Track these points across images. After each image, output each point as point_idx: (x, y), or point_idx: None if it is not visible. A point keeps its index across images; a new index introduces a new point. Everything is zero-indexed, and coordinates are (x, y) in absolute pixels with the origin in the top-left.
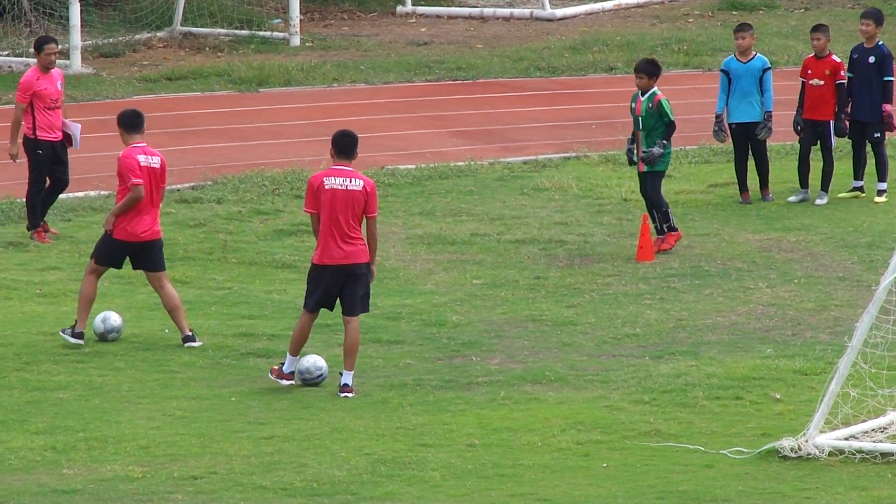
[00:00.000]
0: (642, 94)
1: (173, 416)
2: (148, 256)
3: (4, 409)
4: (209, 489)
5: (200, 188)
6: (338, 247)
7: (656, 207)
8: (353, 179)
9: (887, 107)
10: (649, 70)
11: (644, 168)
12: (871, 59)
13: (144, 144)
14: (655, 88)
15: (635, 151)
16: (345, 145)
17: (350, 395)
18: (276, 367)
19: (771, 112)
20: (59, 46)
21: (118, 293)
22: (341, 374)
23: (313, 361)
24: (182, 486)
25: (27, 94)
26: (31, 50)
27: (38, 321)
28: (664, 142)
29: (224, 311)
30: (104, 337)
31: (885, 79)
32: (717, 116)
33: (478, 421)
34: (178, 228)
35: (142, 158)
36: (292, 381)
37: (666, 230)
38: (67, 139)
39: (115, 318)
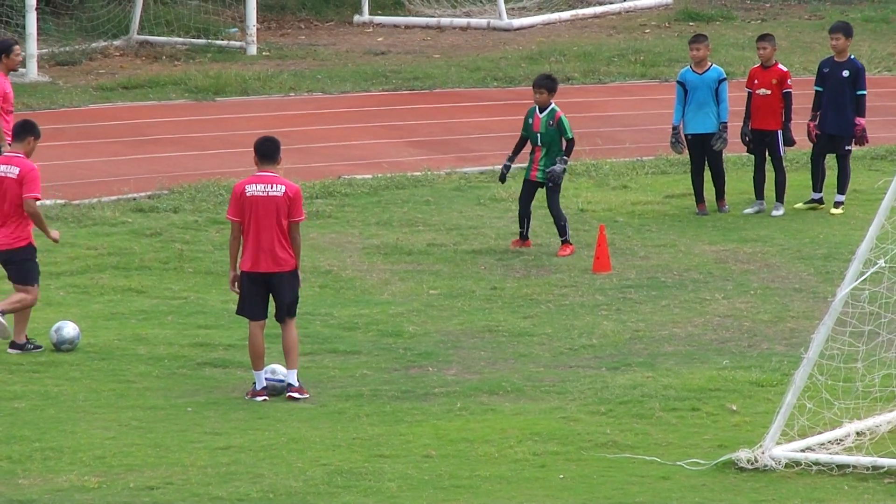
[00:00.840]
0: (541, 111)
1: (129, 426)
2: None
3: None
4: (165, 500)
5: (157, 197)
6: (263, 254)
7: (556, 220)
8: (274, 185)
9: (861, 120)
10: (549, 85)
11: (536, 177)
12: (846, 73)
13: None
14: (554, 105)
15: (529, 168)
16: (266, 150)
17: (296, 395)
18: (250, 391)
19: (726, 123)
20: None
21: (73, 302)
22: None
23: (277, 366)
24: (138, 496)
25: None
26: None
27: None
28: (565, 158)
29: (180, 320)
30: (58, 347)
31: (859, 93)
32: (674, 128)
33: (434, 432)
34: (134, 237)
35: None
36: (266, 397)
37: (562, 242)
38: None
39: (68, 329)
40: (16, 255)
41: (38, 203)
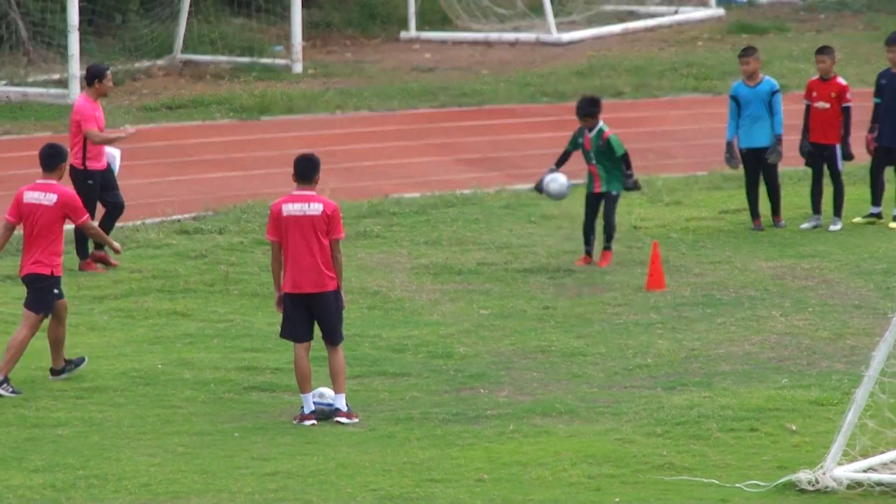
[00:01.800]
0: (589, 130)
1: (175, 452)
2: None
3: (2, 447)
4: None
5: (201, 219)
6: (304, 274)
7: (609, 229)
8: (311, 203)
9: None
10: (591, 111)
11: (601, 189)
12: None
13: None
14: (602, 124)
15: (591, 183)
16: (303, 169)
17: (345, 420)
18: (297, 415)
19: (781, 136)
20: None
21: (118, 326)
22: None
23: (325, 389)
24: None
25: (93, 118)
26: (84, 78)
27: (36, 356)
28: (629, 172)
29: (226, 344)
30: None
31: None
32: (728, 143)
33: (487, 455)
34: (178, 260)
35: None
36: (315, 421)
37: (604, 249)
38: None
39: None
40: (38, 282)
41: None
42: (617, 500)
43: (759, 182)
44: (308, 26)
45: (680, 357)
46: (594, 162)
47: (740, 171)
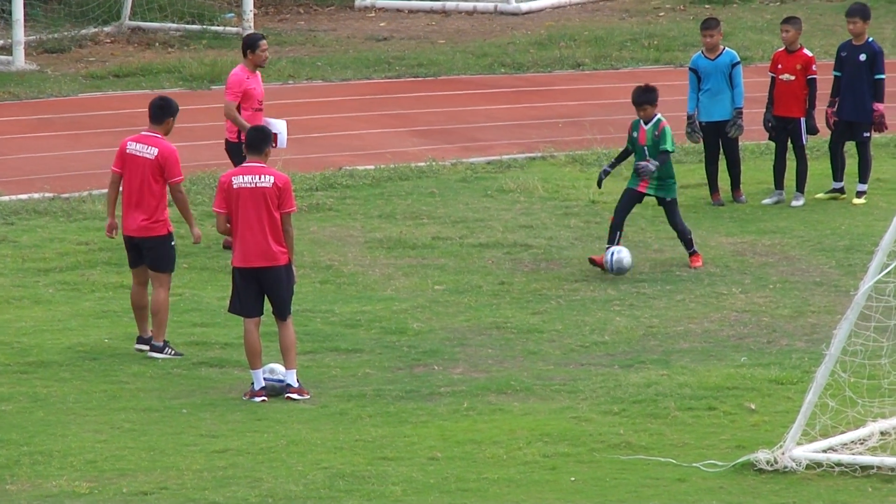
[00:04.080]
0: (645, 123)
1: (122, 428)
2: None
3: None
4: None
5: None
6: (254, 248)
7: (681, 235)
8: (262, 176)
9: (879, 106)
10: (650, 99)
11: (647, 190)
12: (862, 57)
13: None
14: (659, 115)
15: (637, 180)
16: (255, 140)
17: (296, 396)
18: (248, 391)
19: (741, 109)
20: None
21: (63, 300)
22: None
23: (276, 365)
24: (131, 502)
25: (239, 92)
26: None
27: None
28: (657, 162)
29: (175, 318)
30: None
31: (877, 77)
32: (689, 116)
33: (440, 433)
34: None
35: None
36: (265, 397)
37: (689, 254)
38: (273, 138)
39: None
40: (153, 242)
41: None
42: (572, 479)
43: (718, 156)
44: None
45: (638, 334)
46: (647, 157)
47: (701, 144)
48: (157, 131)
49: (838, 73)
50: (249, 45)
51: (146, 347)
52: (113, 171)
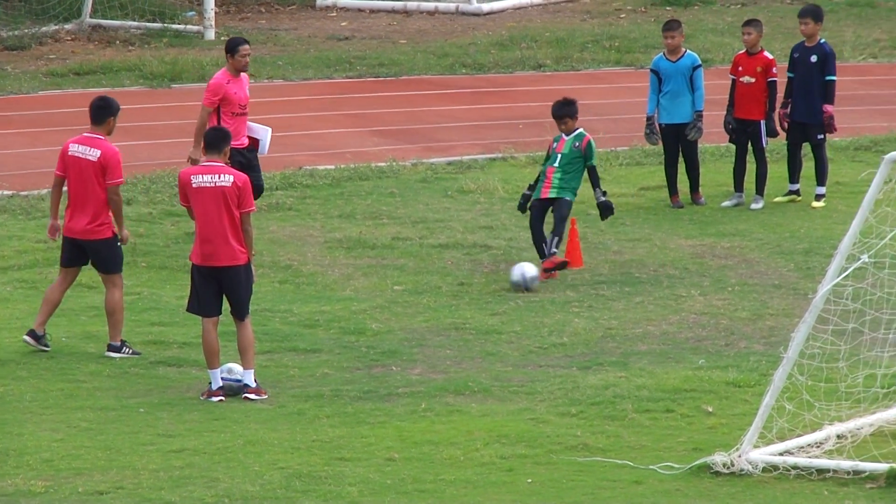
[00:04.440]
0: (566, 134)
1: (78, 427)
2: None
3: None
4: None
5: None
6: (213, 247)
7: (557, 232)
8: (222, 175)
9: (829, 107)
10: (570, 112)
11: (549, 195)
12: (814, 59)
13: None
14: (581, 129)
15: (540, 186)
16: (214, 139)
17: (253, 396)
18: (205, 391)
19: (701, 112)
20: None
21: (21, 298)
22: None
23: (234, 365)
24: (87, 501)
25: (216, 97)
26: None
27: None
28: (604, 191)
29: (133, 317)
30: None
31: (828, 78)
32: (649, 118)
33: (397, 434)
34: None
35: None
36: (223, 397)
37: (548, 255)
38: (254, 143)
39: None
40: (99, 245)
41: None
42: (529, 480)
43: (678, 158)
44: None
45: (596, 336)
46: (556, 165)
47: (661, 146)
48: (99, 132)
49: (791, 75)
50: (230, 49)
51: (32, 341)
52: (56, 175)
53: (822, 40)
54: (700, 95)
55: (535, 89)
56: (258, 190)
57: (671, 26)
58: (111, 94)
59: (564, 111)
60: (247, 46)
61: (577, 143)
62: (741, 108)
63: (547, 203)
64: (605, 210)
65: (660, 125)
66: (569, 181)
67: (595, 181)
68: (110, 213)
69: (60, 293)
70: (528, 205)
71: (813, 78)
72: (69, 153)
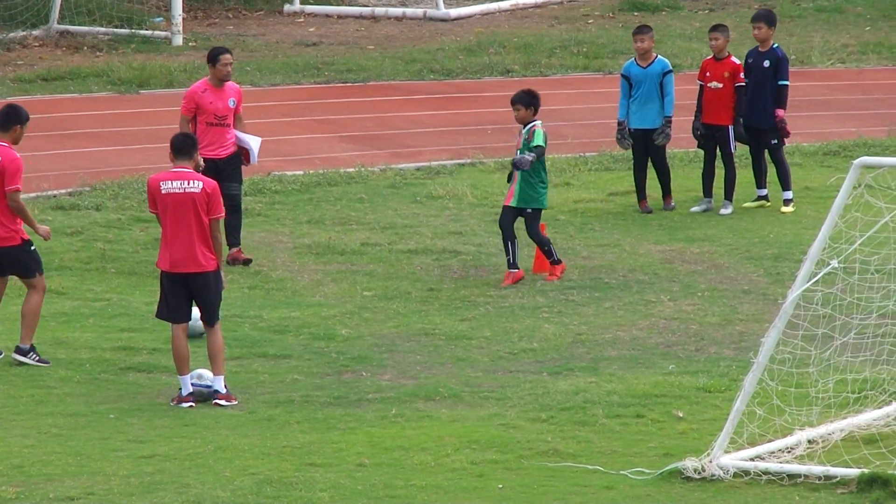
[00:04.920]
0: (523, 127)
1: (48, 433)
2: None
3: None
4: None
5: (78, 194)
6: (183, 253)
7: (540, 245)
8: (191, 181)
9: (780, 112)
10: (525, 100)
11: (511, 203)
12: (766, 63)
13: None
14: (537, 122)
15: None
16: (182, 145)
17: (223, 402)
18: (175, 397)
19: (671, 117)
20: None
21: None
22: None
23: (204, 371)
24: None
25: (190, 105)
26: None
27: None
28: (534, 154)
29: (102, 323)
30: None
31: (780, 83)
32: (620, 123)
33: (368, 439)
34: (54, 237)
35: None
36: (193, 403)
37: (551, 263)
38: (244, 154)
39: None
40: (12, 252)
41: (20, 195)
42: (500, 486)
43: (647, 163)
44: None
45: (566, 342)
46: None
47: (629, 152)
48: (5, 140)
49: (746, 80)
50: (211, 58)
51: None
52: None
53: (776, 45)
54: (670, 101)
55: (503, 94)
56: (229, 200)
57: (641, 30)
58: (79, 99)
59: (517, 97)
60: (228, 56)
61: (528, 137)
62: (709, 114)
63: (515, 210)
64: (514, 165)
65: (629, 130)
66: (537, 179)
67: (536, 153)
68: (19, 221)
69: None
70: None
71: (766, 83)
72: None
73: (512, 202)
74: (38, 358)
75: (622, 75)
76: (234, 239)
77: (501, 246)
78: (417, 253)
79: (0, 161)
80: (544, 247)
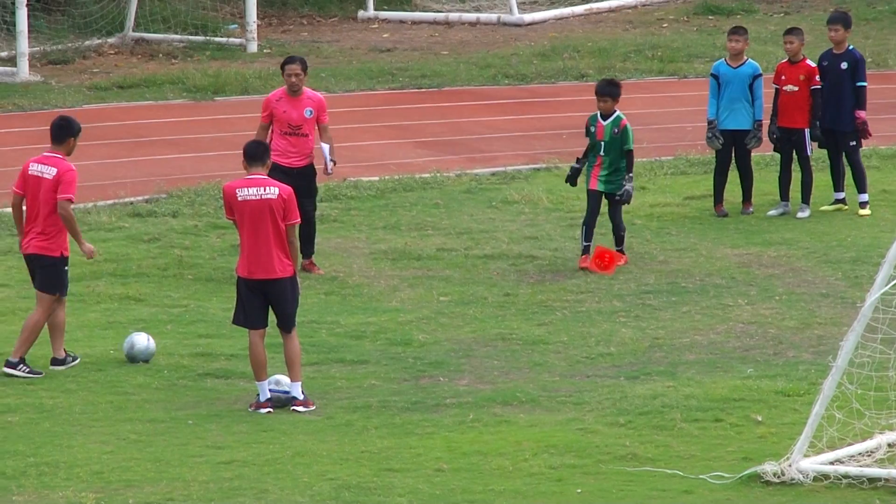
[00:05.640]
0: (604, 118)
1: (128, 440)
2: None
3: None
4: None
5: (154, 201)
6: (259, 260)
7: (615, 229)
8: (267, 188)
9: (861, 113)
10: (612, 92)
11: (596, 186)
12: (844, 65)
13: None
14: (619, 112)
15: (588, 177)
16: (256, 152)
17: (301, 408)
18: (253, 402)
19: (761, 121)
20: (300, 66)
21: (69, 311)
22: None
23: (282, 377)
24: None
25: (265, 113)
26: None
27: None
28: (630, 175)
29: (180, 329)
30: (132, 360)
31: (858, 84)
32: (710, 122)
33: (446, 444)
34: (131, 243)
35: None
36: (271, 409)
37: (618, 250)
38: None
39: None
40: (45, 261)
41: (71, 206)
42: (579, 490)
43: (729, 166)
44: (263, 4)
45: (643, 346)
46: (602, 153)
47: (708, 154)
48: (59, 151)
49: (820, 84)
50: (282, 67)
51: (58, 367)
52: (14, 192)
53: (851, 46)
54: (759, 105)
55: (577, 99)
56: (303, 216)
57: (737, 31)
58: (155, 107)
59: (607, 90)
60: (292, 66)
61: (615, 129)
62: (785, 117)
63: (599, 194)
64: (625, 197)
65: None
66: (615, 168)
67: (629, 166)
68: (64, 234)
69: (56, 313)
70: (576, 178)
71: (844, 85)
72: (29, 172)
73: (599, 187)
74: (27, 370)
75: (711, 74)
76: (307, 250)
77: (578, 250)
78: (493, 258)
79: (56, 172)
80: (620, 232)
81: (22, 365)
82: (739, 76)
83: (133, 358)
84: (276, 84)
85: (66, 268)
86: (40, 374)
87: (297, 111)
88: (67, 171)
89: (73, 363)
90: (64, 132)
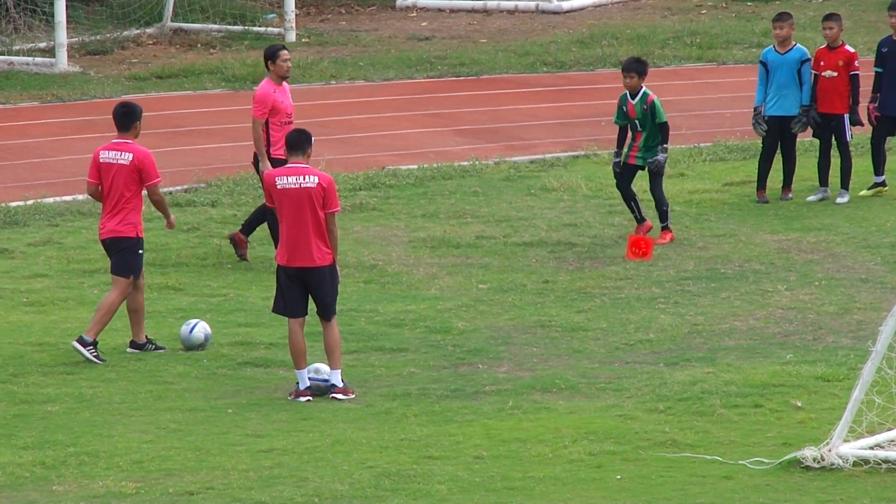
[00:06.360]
0: (632, 96)
1: (167, 429)
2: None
3: None
4: None
5: (193, 191)
6: (299, 248)
7: (658, 204)
8: (307, 176)
9: None
10: (638, 69)
11: (636, 161)
12: None
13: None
14: (646, 88)
15: (628, 152)
16: (296, 140)
17: (341, 396)
18: (292, 391)
19: (808, 106)
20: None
21: None
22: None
23: (321, 365)
24: (177, 502)
25: (266, 107)
26: (264, 61)
27: (24, 331)
28: (665, 146)
29: (219, 318)
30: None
31: None
32: (756, 109)
33: (485, 432)
34: (170, 233)
35: None
36: (310, 397)
37: (661, 228)
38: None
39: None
40: (120, 244)
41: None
42: (618, 477)
43: (775, 152)
44: None
45: (682, 332)
46: (639, 129)
47: (745, 141)
48: (128, 137)
49: (880, 70)
50: (270, 55)
51: (135, 351)
52: (89, 182)
53: None
54: (807, 90)
55: (616, 86)
56: None
57: (781, 17)
58: (193, 96)
59: (633, 66)
60: (286, 52)
61: (644, 106)
62: (824, 103)
63: (635, 168)
64: (655, 165)
65: (764, 117)
66: (654, 142)
67: (664, 137)
68: (137, 216)
69: (134, 297)
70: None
71: None
72: (101, 160)
73: (637, 162)
74: (95, 353)
75: (760, 62)
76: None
77: (616, 237)
78: (532, 245)
79: (133, 157)
80: (663, 207)
81: (92, 347)
82: (788, 62)
83: (193, 346)
84: (316, 74)
85: (141, 251)
86: (104, 361)
87: (288, 100)
88: (144, 155)
89: (157, 350)
90: (129, 118)
